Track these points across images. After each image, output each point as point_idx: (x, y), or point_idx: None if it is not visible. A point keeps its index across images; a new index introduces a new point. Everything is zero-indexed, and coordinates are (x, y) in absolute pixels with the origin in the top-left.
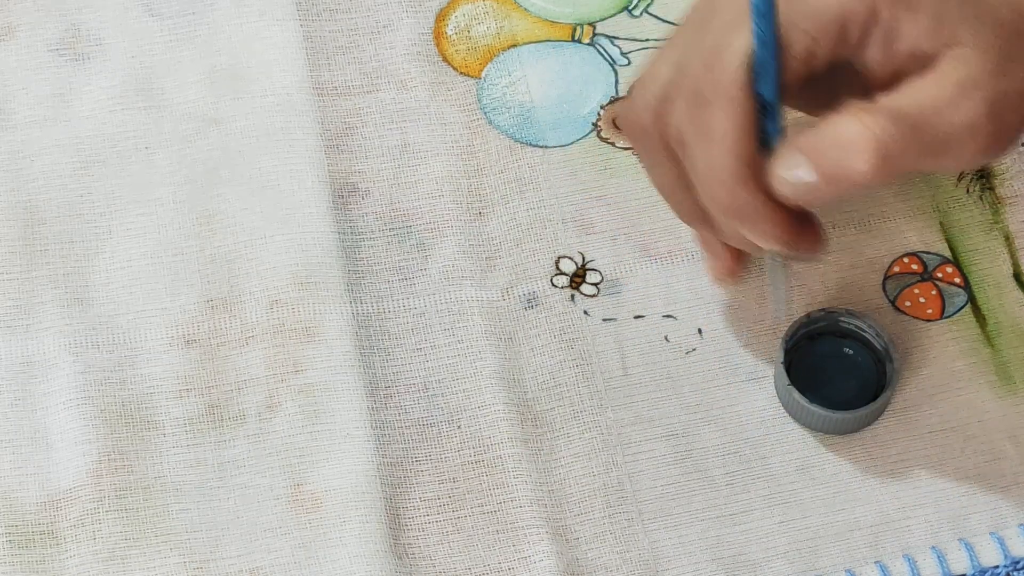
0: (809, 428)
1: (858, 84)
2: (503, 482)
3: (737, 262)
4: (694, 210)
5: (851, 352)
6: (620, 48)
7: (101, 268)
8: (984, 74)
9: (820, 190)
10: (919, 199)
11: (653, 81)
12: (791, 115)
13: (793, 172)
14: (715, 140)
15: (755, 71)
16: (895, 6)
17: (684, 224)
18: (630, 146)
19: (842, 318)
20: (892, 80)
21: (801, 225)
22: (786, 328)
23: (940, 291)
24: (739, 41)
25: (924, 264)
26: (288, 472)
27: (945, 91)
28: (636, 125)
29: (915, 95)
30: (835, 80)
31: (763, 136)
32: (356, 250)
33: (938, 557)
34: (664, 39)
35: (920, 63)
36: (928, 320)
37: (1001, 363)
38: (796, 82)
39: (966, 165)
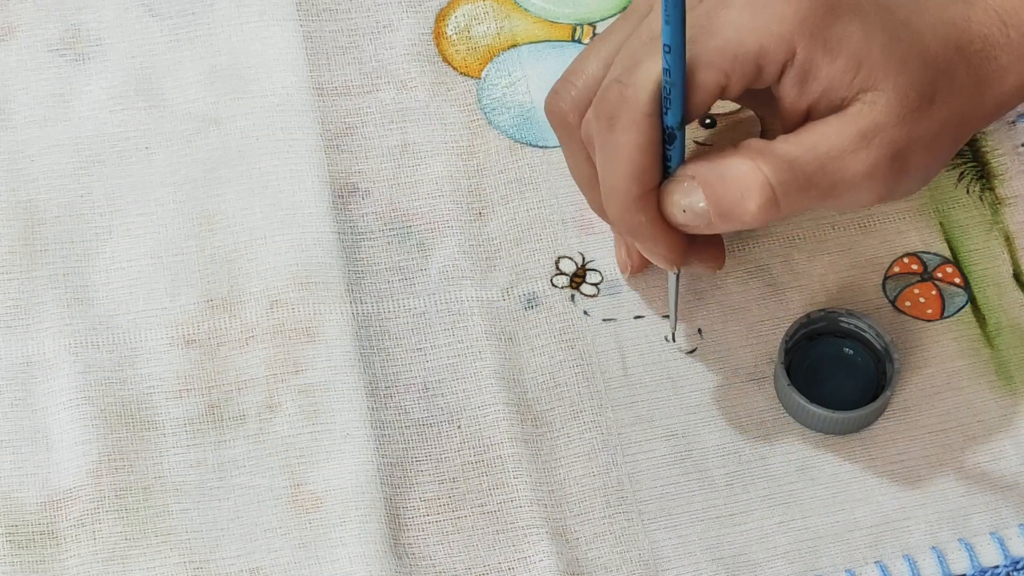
0: (809, 428)
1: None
2: (503, 482)
3: (641, 258)
4: (603, 206)
5: (851, 352)
6: None
7: (101, 268)
8: (894, 120)
9: (710, 223)
10: (919, 199)
11: (579, 76)
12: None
13: (686, 200)
14: (616, 160)
15: (663, 99)
16: (813, 48)
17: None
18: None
19: (842, 318)
20: (804, 114)
21: (699, 244)
22: (786, 328)
23: (940, 291)
24: (652, 65)
25: (924, 264)
26: (288, 472)
27: (844, 139)
28: (558, 116)
29: (814, 141)
30: (765, 98)
31: (666, 162)
32: (356, 250)
33: (938, 557)
34: (603, 31)
35: (833, 104)
36: (928, 320)
37: (1001, 363)
38: (703, 110)
39: (861, 207)
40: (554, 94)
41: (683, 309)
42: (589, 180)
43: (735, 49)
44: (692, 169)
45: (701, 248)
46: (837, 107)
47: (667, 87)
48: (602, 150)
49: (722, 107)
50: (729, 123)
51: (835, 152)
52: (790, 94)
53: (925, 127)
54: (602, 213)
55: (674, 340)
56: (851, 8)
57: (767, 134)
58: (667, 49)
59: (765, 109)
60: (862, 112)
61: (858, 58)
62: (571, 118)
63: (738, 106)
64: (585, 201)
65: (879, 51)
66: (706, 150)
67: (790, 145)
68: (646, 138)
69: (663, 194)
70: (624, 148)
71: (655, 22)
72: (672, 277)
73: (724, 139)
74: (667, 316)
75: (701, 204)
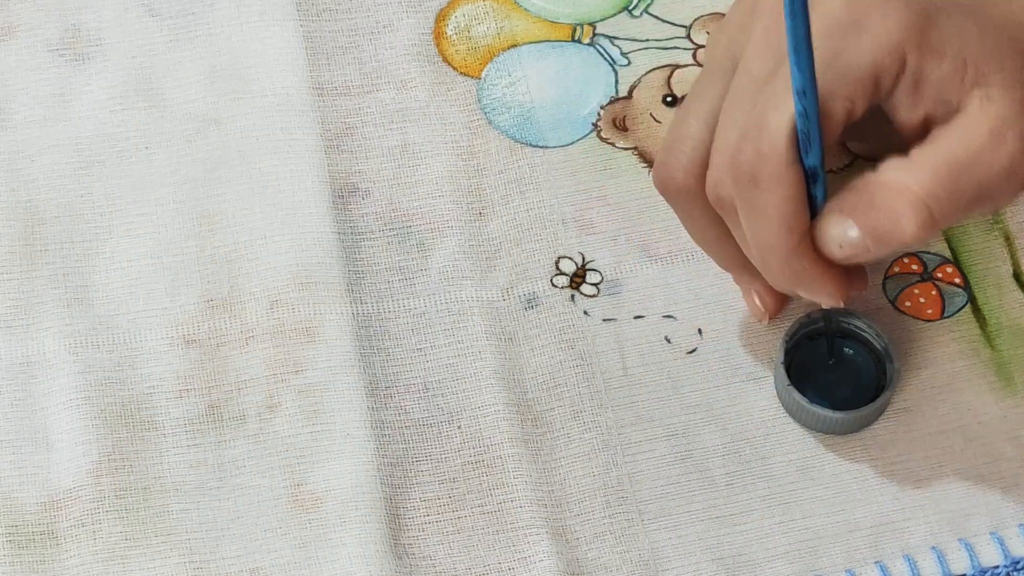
0: (809, 428)
1: (891, 126)
2: (503, 482)
3: (776, 301)
4: (736, 260)
5: (851, 352)
6: (620, 48)
7: (101, 268)
8: (1014, 111)
9: (870, 251)
10: None
11: (687, 141)
12: None
13: (842, 236)
14: (767, 216)
15: (800, 143)
16: (922, 52)
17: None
18: (630, 146)
19: (842, 318)
20: (922, 126)
21: (850, 273)
22: (786, 328)
23: (940, 291)
24: (778, 115)
25: (924, 264)
26: (288, 472)
27: (980, 137)
28: (673, 187)
29: (950, 145)
30: (871, 123)
31: (811, 202)
32: (356, 250)
33: (938, 557)
34: (689, 93)
35: (948, 107)
36: (928, 320)
37: (1001, 363)
38: (837, 139)
39: (1006, 205)
40: (662, 167)
41: (683, 309)
42: (718, 239)
43: (854, 73)
44: (839, 203)
45: (851, 275)
46: (953, 110)
47: (804, 130)
48: (749, 211)
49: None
50: (841, 177)
51: (975, 154)
52: (905, 104)
53: None
54: (735, 269)
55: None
56: (941, 10)
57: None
58: (802, 93)
59: (866, 137)
60: (984, 109)
61: (963, 56)
62: (689, 185)
63: (843, 161)
64: (585, 201)
65: (978, 47)
66: (843, 179)
67: (929, 157)
68: (793, 188)
69: (817, 234)
70: (773, 203)
71: (755, 68)
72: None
73: None
74: (668, 316)
75: (855, 234)
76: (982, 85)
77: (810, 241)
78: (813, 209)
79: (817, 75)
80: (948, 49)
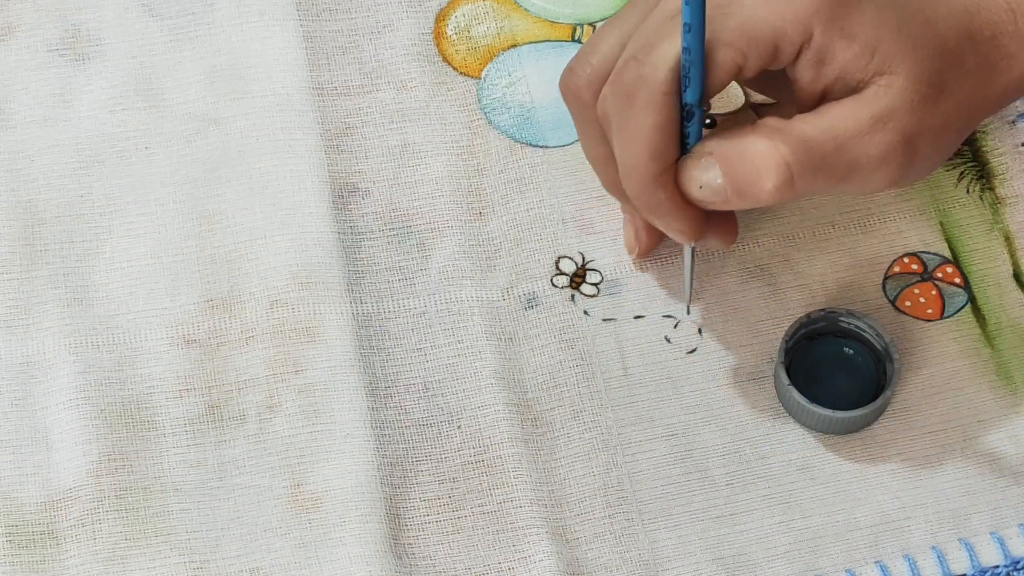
0: (809, 428)
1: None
2: (503, 482)
3: (651, 239)
4: (615, 183)
5: (851, 352)
6: None
7: (101, 268)
8: (907, 106)
9: (727, 199)
10: (919, 199)
11: (594, 54)
12: None
13: (704, 177)
14: (635, 138)
15: (682, 77)
16: (830, 32)
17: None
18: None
19: (842, 318)
20: (819, 97)
21: (714, 219)
22: (786, 328)
23: (940, 291)
24: (670, 44)
25: (924, 264)
26: (288, 472)
27: (861, 122)
28: (573, 95)
29: (831, 122)
30: (779, 80)
31: (683, 139)
32: (356, 250)
33: (938, 557)
34: (618, 11)
35: (848, 87)
36: (928, 320)
37: (1001, 363)
38: (721, 88)
39: (873, 191)
40: (568, 72)
41: (682, 308)
42: (603, 158)
43: (753, 30)
44: (710, 146)
45: (716, 224)
46: (852, 90)
47: (686, 65)
48: (620, 128)
49: (722, 107)
50: (728, 122)
51: (850, 134)
52: (806, 76)
53: (936, 114)
54: (616, 192)
55: (688, 313)
56: None
57: None
58: (687, 28)
59: (777, 92)
60: (877, 96)
61: (873, 44)
62: (586, 95)
63: (737, 107)
64: (585, 201)
65: (893, 38)
66: (723, 129)
67: (807, 126)
68: (664, 116)
69: (681, 170)
70: (642, 126)
71: (671, 3)
72: (688, 251)
73: None
74: (668, 316)
75: (718, 180)
76: (885, 74)
77: (672, 175)
78: (684, 147)
79: (714, 21)
80: (859, 34)
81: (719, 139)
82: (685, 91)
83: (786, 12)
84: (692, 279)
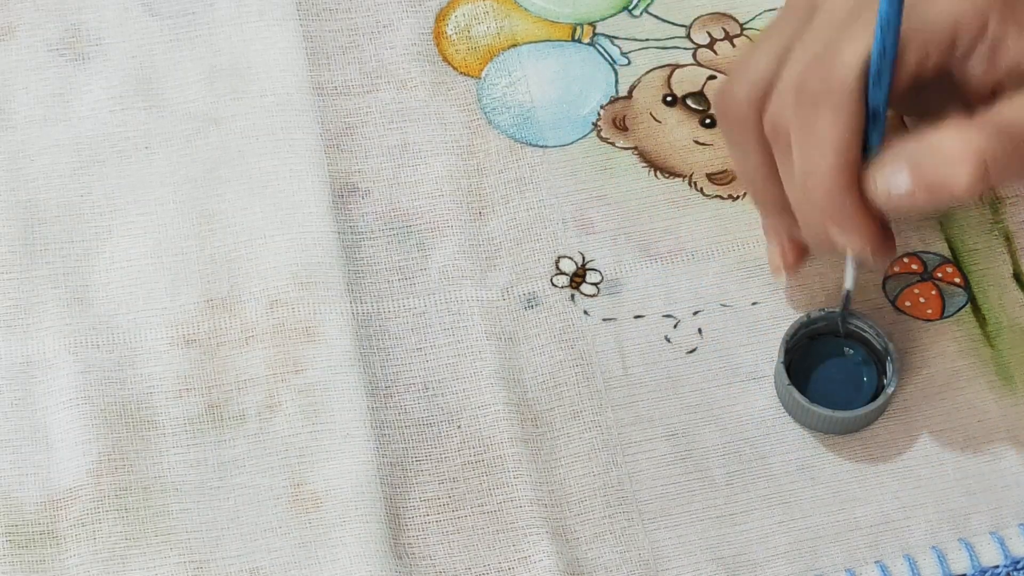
0: (809, 428)
1: (954, 95)
2: (503, 482)
3: (798, 256)
4: (775, 200)
5: (851, 352)
6: (620, 48)
7: (101, 268)
8: None
9: (916, 199)
10: None
11: (753, 70)
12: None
13: (893, 179)
14: (822, 143)
15: (870, 80)
16: (1005, 22)
17: (759, 211)
18: (630, 146)
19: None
20: (990, 93)
21: (884, 233)
22: (786, 328)
23: (940, 291)
24: (854, 46)
25: (924, 264)
26: (288, 472)
27: None
28: (731, 111)
29: (1017, 109)
30: (933, 89)
31: (864, 143)
32: (356, 250)
33: (938, 557)
34: (765, 29)
35: (1020, 79)
36: (928, 320)
37: (1001, 363)
38: (902, 91)
39: None
40: (725, 92)
41: (683, 309)
42: (765, 176)
43: (933, 23)
44: (897, 148)
45: (884, 238)
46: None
47: (877, 64)
48: (804, 136)
49: None
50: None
51: None
52: (978, 70)
53: None
54: (771, 207)
55: (842, 329)
56: None
57: None
58: (886, 24)
59: (918, 113)
60: None
61: None
62: (746, 112)
63: None
64: (585, 201)
65: None
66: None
67: (994, 116)
68: (853, 119)
69: (868, 176)
70: (830, 131)
71: (837, 7)
72: (850, 265)
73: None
74: (668, 316)
75: (908, 183)
76: None
77: (857, 181)
78: (865, 153)
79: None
80: None
81: (899, 142)
82: (873, 93)
83: (964, 3)
84: (852, 290)
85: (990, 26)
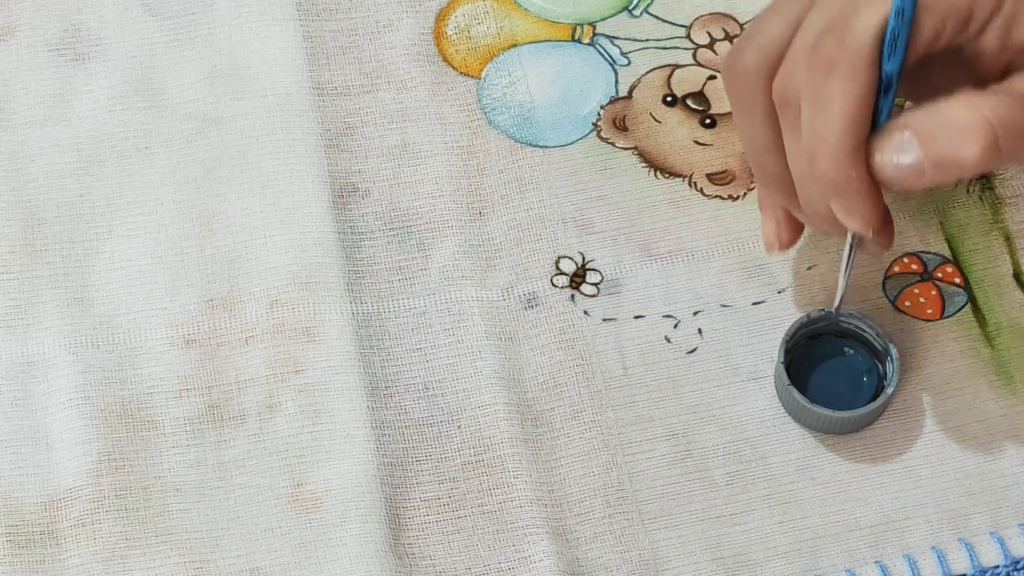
0: (809, 428)
1: (961, 76)
2: (503, 482)
3: (793, 233)
4: (777, 172)
5: (851, 352)
6: (620, 48)
7: (101, 268)
8: None
9: (924, 173)
10: (919, 199)
11: (765, 37)
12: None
13: (900, 148)
14: (833, 109)
15: (885, 48)
16: (1021, 0)
17: (759, 184)
18: (630, 146)
19: (842, 318)
20: (1001, 72)
21: (885, 216)
22: (786, 328)
23: (940, 291)
24: (871, 11)
25: (924, 264)
26: (288, 472)
27: None
28: (741, 79)
29: None
30: (939, 69)
31: (873, 119)
32: (356, 250)
33: (938, 557)
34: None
35: None
36: (928, 320)
37: (1001, 363)
38: (915, 63)
39: None
40: (735, 57)
41: (683, 309)
42: (769, 146)
43: None
44: (906, 119)
45: (884, 220)
46: None
47: (894, 32)
48: (815, 101)
49: (723, 107)
50: (729, 124)
51: None
52: (992, 47)
53: None
54: (771, 180)
55: (837, 312)
56: None
57: None
58: None
59: (922, 94)
60: None
61: None
62: (756, 79)
63: None
64: (585, 201)
65: None
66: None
67: (1005, 89)
68: (866, 86)
69: (876, 147)
70: (842, 97)
71: None
72: (848, 245)
73: (724, 140)
74: (668, 316)
75: (916, 155)
76: None
77: (864, 152)
78: (875, 124)
79: None
80: None
81: (909, 113)
82: (888, 61)
83: None
84: (849, 276)
85: (1005, 3)
